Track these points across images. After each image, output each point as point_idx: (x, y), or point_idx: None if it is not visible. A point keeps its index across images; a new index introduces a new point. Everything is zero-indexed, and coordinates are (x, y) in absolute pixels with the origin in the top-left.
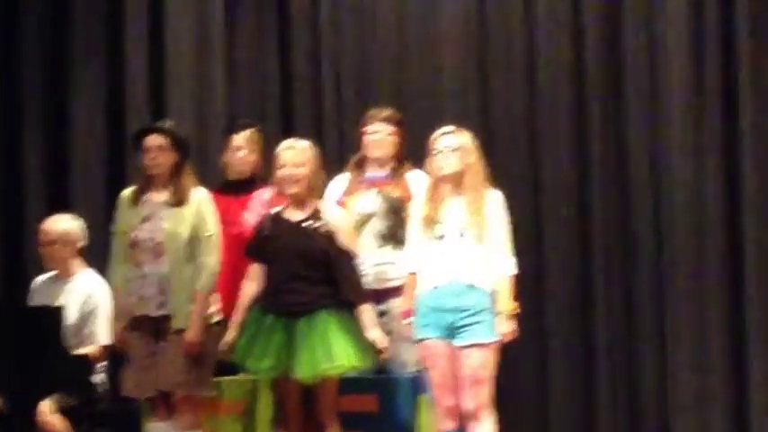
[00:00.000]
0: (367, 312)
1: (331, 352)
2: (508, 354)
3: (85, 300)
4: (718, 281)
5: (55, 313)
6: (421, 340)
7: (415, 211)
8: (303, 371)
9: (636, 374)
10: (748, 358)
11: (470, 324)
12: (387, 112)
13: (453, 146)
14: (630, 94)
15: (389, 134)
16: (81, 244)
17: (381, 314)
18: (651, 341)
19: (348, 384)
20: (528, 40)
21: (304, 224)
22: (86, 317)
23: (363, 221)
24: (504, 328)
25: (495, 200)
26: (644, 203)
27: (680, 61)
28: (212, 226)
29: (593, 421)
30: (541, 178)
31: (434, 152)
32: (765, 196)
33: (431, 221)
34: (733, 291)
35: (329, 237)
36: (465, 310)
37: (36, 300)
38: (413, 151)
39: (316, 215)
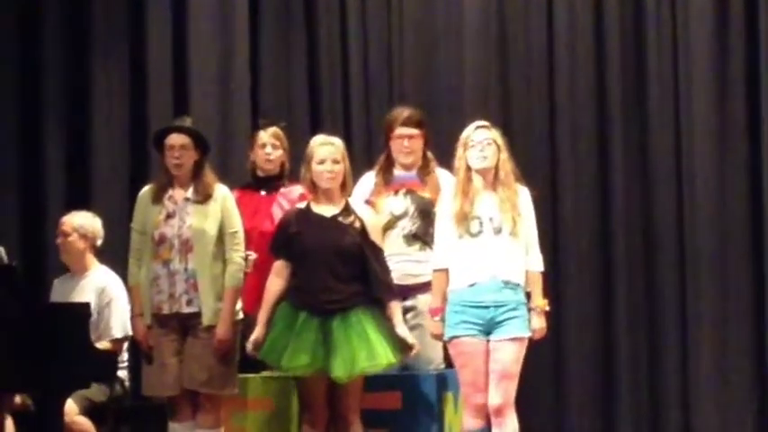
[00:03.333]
0: (396, 308)
1: (370, 350)
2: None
3: (99, 294)
4: (739, 277)
5: (81, 309)
6: (455, 337)
7: (445, 207)
8: (341, 369)
9: (656, 378)
10: None
11: (507, 319)
12: (408, 113)
13: (491, 139)
14: (654, 88)
15: (416, 137)
16: (98, 242)
17: (407, 310)
18: (673, 342)
19: (372, 381)
20: (548, 36)
21: (338, 219)
22: (101, 311)
23: (393, 222)
24: (536, 324)
25: (525, 196)
26: (666, 199)
27: (703, 57)
28: (237, 222)
29: (611, 418)
30: (560, 175)
31: (471, 145)
32: None
33: (464, 217)
34: (755, 288)
35: (362, 231)
36: (503, 305)
37: (55, 297)
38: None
39: (347, 210)
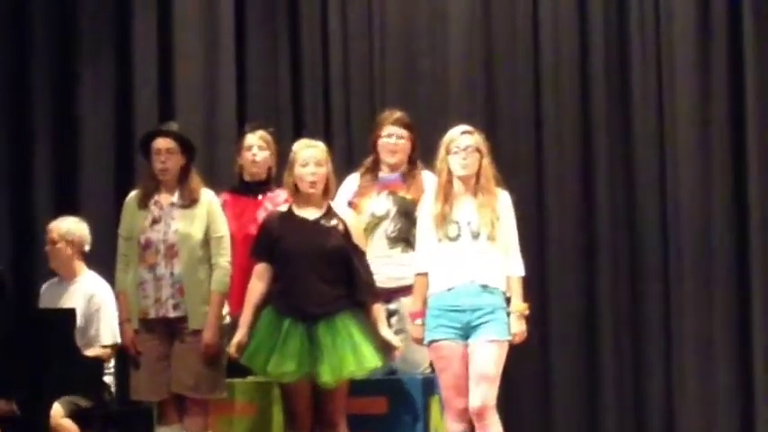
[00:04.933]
0: (379, 311)
1: (358, 354)
2: (511, 356)
3: (89, 301)
4: (724, 288)
5: (67, 315)
6: (434, 341)
7: (425, 211)
8: (328, 374)
9: (641, 391)
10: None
11: (485, 323)
12: (399, 114)
13: (473, 146)
14: (637, 93)
15: (403, 138)
16: (85, 247)
17: (391, 314)
18: (658, 355)
19: (358, 386)
20: (533, 39)
21: (320, 222)
22: (90, 318)
23: (375, 224)
24: (516, 328)
25: (505, 201)
26: (650, 204)
27: (687, 64)
28: (223, 227)
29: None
30: (545, 179)
31: (453, 151)
32: None
33: (443, 220)
34: (739, 297)
35: (345, 234)
36: (479, 310)
37: (43, 303)
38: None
39: (329, 213)
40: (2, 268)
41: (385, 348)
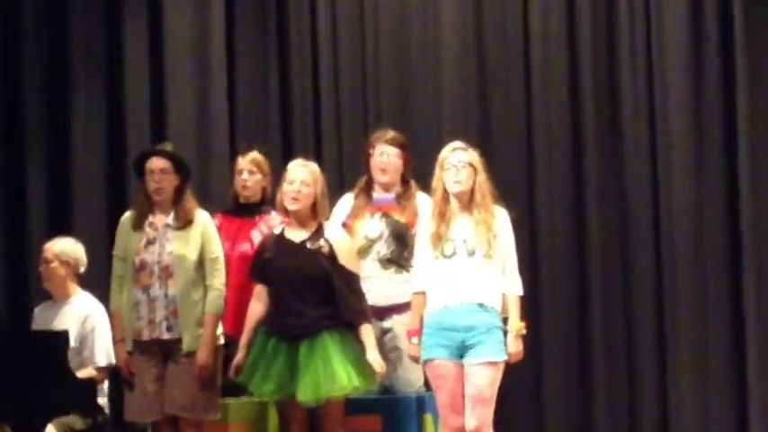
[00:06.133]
0: (367, 333)
1: (333, 374)
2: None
3: (83, 322)
4: (718, 293)
5: (60, 337)
6: (429, 360)
7: (423, 229)
8: (306, 393)
9: (635, 402)
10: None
11: (480, 342)
12: (392, 133)
13: (466, 162)
14: (628, 102)
15: (396, 157)
16: (80, 268)
17: (385, 332)
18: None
19: (352, 405)
20: (524, 53)
21: (306, 244)
22: (84, 339)
23: (368, 246)
24: (513, 347)
25: (502, 218)
26: (642, 216)
27: (679, 71)
28: (217, 248)
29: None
30: (537, 196)
31: (447, 168)
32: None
33: (439, 239)
34: (733, 310)
35: (330, 256)
36: (475, 329)
37: (37, 325)
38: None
39: (317, 235)
40: None
41: (371, 370)
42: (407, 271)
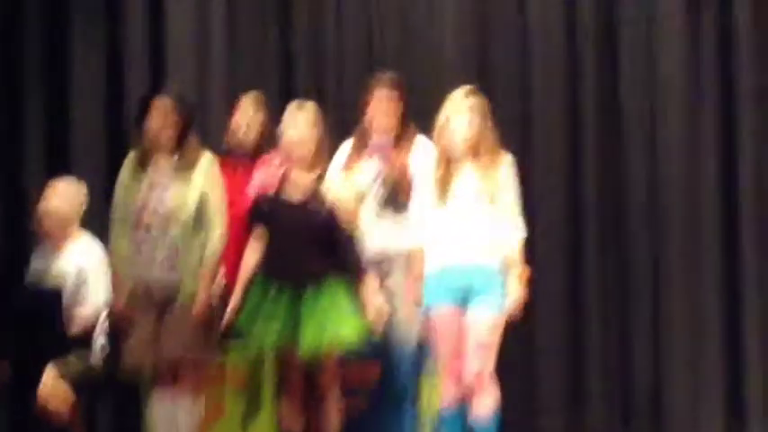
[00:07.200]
0: (368, 283)
1: (336, 325)
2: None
3: (80, 263)
4: (712, 254)
5: (53, 297)
6: (431, 309)
7: (427, 176)
8: (309, 342)
9: (628, 366)
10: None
11: (483, 289)
12: (390, 76)
13: (476, 107)
14: (626, 64)
15: (394, 99)
16: (80, 210)
17: (383, 280)
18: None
19: (350, 354)
20: (522, 8)
21: (306, 206)
22: (81, 280)
23: (365, 190)
24: (516, 292)
25: (507, 163)
26: (638, 172)
27: (677, 44)
28: (219, 194)
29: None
30: (533, 148)
31: (455, 113)
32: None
33: (445, 185)
34: (728, 261)
35: (330, 216)
36: (478, 276)
37: (35, 267)
38: (414, 117)
39: (316, 195)
40: None
41: (373, 320)
42: (405, 215)
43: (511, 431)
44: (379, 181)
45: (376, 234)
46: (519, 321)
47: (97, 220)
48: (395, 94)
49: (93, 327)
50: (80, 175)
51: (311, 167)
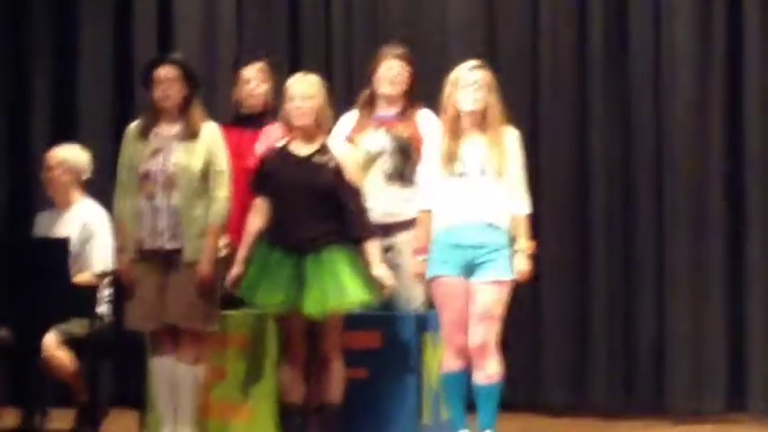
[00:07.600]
0: (373, 248)
1: (341, 288)
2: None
3: (83, 227)
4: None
5: (61, 244)
6: (436, 277)
7: (433, 147)
8: (312, 307)
9: (633, 329)
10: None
11: (489, 261)
12: (400, 49)
13: (483, 80)
14: (635, 40)
15: (403, 71)
16: (84, 176)
17: (387, 249)
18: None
19: (353, 320)
20: None
21: (312, 159)
22: (84, 244)
23: (371, 160)
24: (521, 266)
25: (513, 138)
26: (646, 147)
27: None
28: (223, 160)
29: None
30: (541, 120)
31: (463, 86)
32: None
33: (451, 157)
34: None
35: (336, 171)
36: (484, 247)
37: (38, 231)
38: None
39: (323, 150)
40: None
41: (376, 285)
42: (412, 186)
43: (515, 404)
44: (386, 153)
45: (382, 201)
46: (525, 296)
47: (103, 186)
48: (404, 66)
49: (97, 286)
50: (86, 143)
51: (312, 138)
